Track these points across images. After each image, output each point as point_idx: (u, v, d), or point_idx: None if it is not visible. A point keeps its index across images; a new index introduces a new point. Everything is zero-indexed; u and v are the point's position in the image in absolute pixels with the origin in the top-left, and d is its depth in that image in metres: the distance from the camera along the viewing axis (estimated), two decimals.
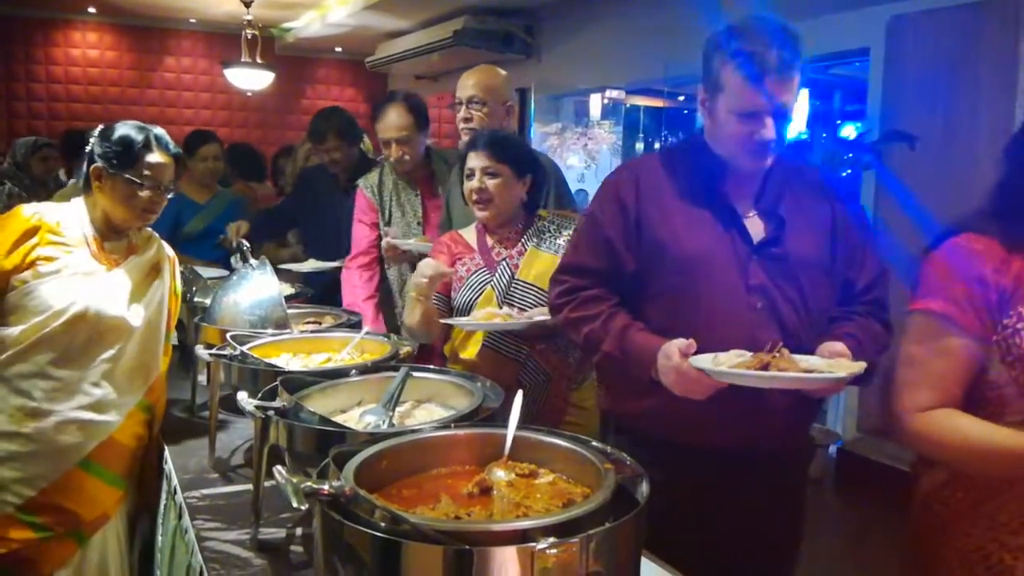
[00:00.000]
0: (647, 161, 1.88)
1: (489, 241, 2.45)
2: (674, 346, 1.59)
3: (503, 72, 2.90)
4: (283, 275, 3.33)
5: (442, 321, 2.33)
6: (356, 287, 3.14)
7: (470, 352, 2.36)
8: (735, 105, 1.62)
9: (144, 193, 2.13)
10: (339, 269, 3.34)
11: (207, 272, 3.28)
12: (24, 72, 7.99)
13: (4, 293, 2.04)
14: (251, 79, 7.29)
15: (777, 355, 1.52)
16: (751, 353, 1.57)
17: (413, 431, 1.45)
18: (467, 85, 2.79)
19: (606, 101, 9.04)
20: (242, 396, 1.63)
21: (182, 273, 3.06)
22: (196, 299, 2.87)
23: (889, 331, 1.79)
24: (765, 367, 1.48)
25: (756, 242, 1.71)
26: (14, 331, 2.02)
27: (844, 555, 3.71)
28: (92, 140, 2.16)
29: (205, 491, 1.89)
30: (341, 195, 3.51)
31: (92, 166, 2.13)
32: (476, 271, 2.40)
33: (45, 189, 4.50)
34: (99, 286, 2.09)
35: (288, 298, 2.98)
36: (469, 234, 2.50)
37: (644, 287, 1.76)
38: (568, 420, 2.33)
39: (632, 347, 1.70)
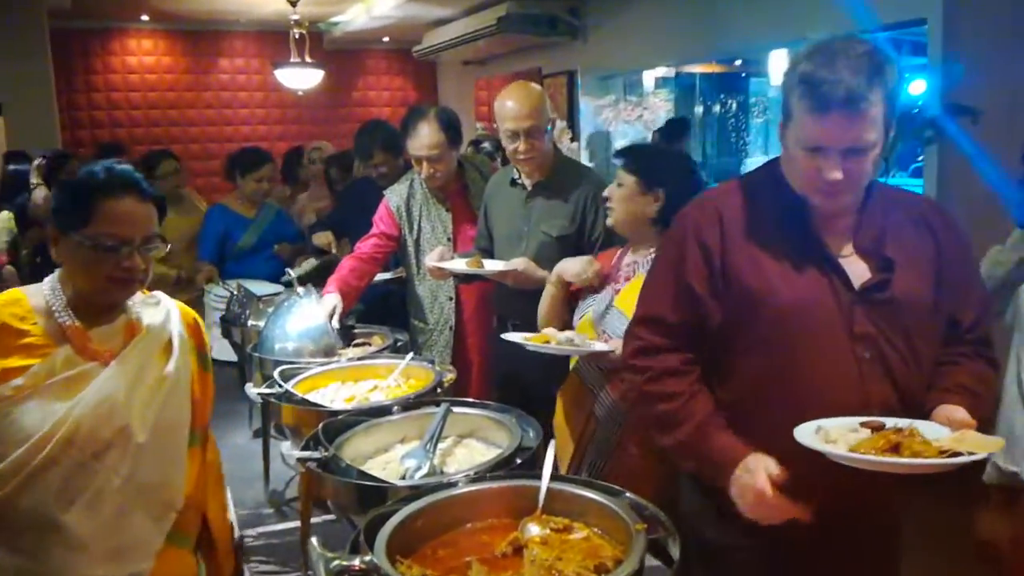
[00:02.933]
0: (726, 194, 1.64)
1: (624, 260, 2.24)
2: (761, 465, 1.43)
3: (536, 87, 2.75)
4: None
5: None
6: (341, 269, 3.05)
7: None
8: (800, 137, 1.46)
9: (110, 256, 1.54)
10: (393, 280, 3.36)
11: (260, 290, 3.34)
12: (83, 83, 8.23)
13: None
14: (301, 78, 7.36)
15: (907, 433, 1.35)
16: (861, 421, 1.42)
17: (449, 486, 1.46)
18: (514, 117, 2.60)
19: (658, 77, 8.89)
20: (285, 447, 1.68)
21: (234, 295, 3.15)
22: (250, 322, 2.94)
23: (996, 369, 1.63)
24: (895, 448, 1.32)
25: (859, 286, 1.51)
26: None
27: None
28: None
29: (260, 529, 1.95)
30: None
31: (48, 227, 1.60)
32: (588, 291, 2.27)
33: None
34: (91, 393, 1.53)
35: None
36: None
37: (733, 340, 1.57)
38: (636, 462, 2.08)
39: (710, 447, 1.53)
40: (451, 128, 2.99)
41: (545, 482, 1.43)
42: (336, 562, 1.15)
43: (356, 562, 1.17)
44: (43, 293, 1.57)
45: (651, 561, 1.28)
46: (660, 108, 13.17)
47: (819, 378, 1.49)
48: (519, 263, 2.50)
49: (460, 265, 2.64)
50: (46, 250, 4.63)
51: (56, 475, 1.47)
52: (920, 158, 4.26)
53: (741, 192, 1.62)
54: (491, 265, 2.58)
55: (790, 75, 1.46)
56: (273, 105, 9.03)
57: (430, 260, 2.71)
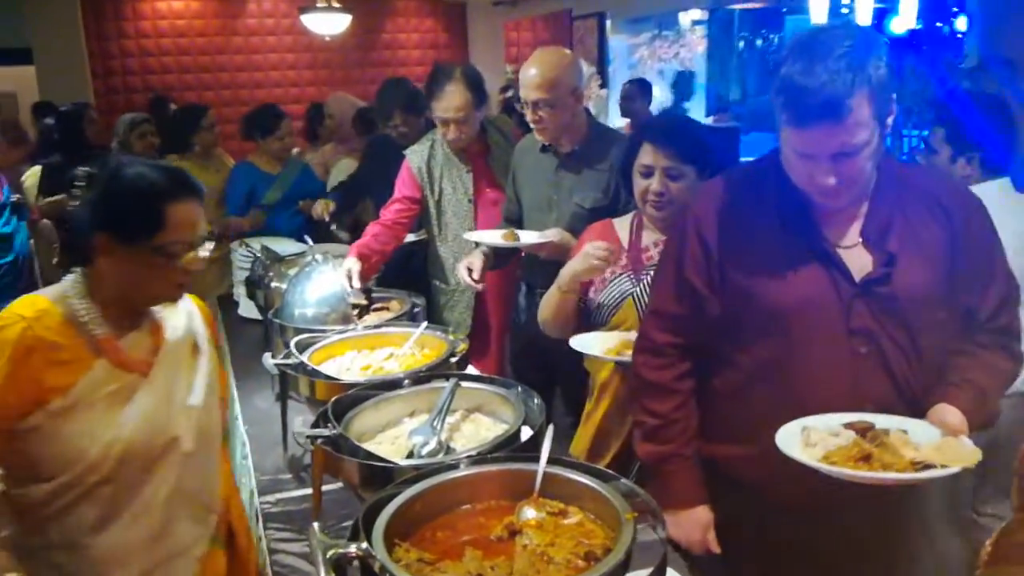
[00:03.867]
0: (727, 186, 1.64)
1: (646, 238, 2.17)
2: (706, 526, 1.62)
3: (565, 55, 2.65)
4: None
5: (572, 343, 2.08)
6: (365, 234, 3.09)
7: (603, 374, 2.19)
8: (790, 143, 1.44)
9: (178, 261, 1.52)
10: (416, 242, 3.39)
11: (284, 249, 3.39)
12: (115, 30, 8.24)
13: (9, 441, 1.46)
14: (328, 23, 7.31)
15: (880, 443, 1.36)
16: (846, 421, 1.43)
17: (450, 468, 1.51)
18: (529, 86, 2.56)
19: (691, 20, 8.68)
20: (297, 423, 1.74)
21: (258, 258, 3.21)
22: (273, 284, 3.00)
23: (1018, 361, 1.59)
24: (867, 458, 1.33)
25: (860, 279, 1.50)
26: (36, 492, 1.46)
27: None
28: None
29: (279, 495, 2.02)
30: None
31: (95, 236, 1.49)
32: (620, 275, 2.14)
33: None
34: (138, 407, 1.51)
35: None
36: (622, 225, 2.24)
37: (730, 333, 1.59)
38: None
39: (670, 479, 1.65)
40: (477, 89, 2.97)
41: (542, 466, 1.48)
42: (333, 551, 1.20)
43: (352, 549, 1.23)
44: (68, 301, 1.50)
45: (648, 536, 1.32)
46: (697, 45, 12.87)
47: (812, 373, 1.50)
48: (553, 234, 2.50)
49: (495, 238, 2.63)
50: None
51: (108, 492, 1.48)
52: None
53: (743, 184, 1.62)
54: (526, 237, 2.58)
55: (775, 75, 1.42)
56: (303, 50, 8.98)
57: (462, 270, 2.67)
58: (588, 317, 2.22)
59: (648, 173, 2.07)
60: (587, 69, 6.79)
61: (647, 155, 2.08)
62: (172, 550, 1.57)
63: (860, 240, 1.52)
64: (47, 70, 7.48)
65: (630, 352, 1.87)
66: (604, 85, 7.05)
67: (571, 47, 7.84)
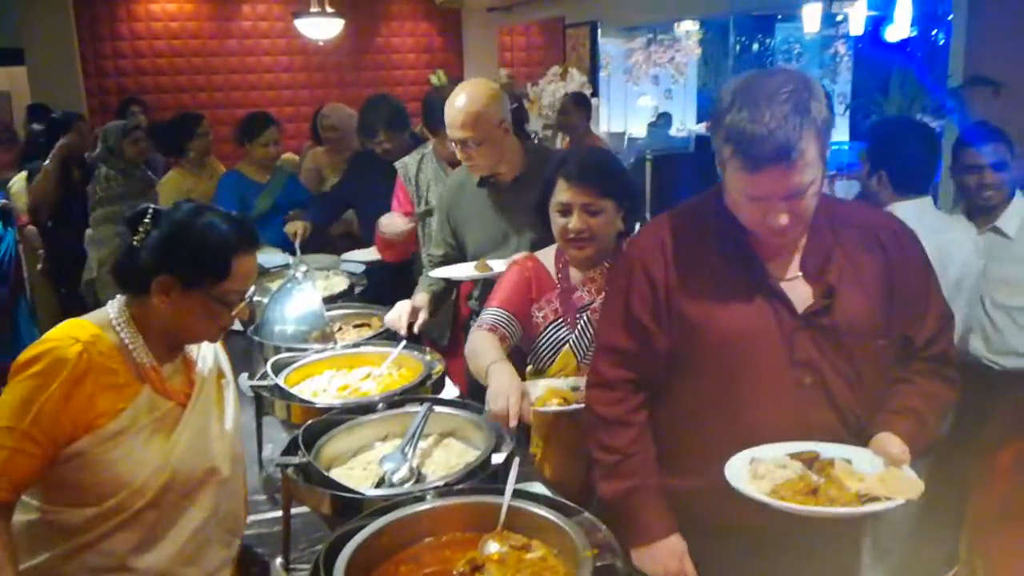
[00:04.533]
0: (672, 222, 1.66)
1: (574, 276, 2.13)
2: (681, 555, 1.61)
3: (486, 89, 2.55)
4: (344, 266, 3.45)
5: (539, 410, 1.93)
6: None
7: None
8: (739, 188, 1.46)
9: (231, 311, 1.58)
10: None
11: (270, 260, 3.40)
12: (108, 31, 8.22)
13: (53, 466, 1.47)
14: (321, 28, 7.29)
15: (827, 475, 1.39)
16: (797, 450, 1.45)
17: (416, 500, 1.53)
18: (453, 125, 2.50)
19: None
20: (267, 450, 1.76)
21: None
22: (256, 298, 3.00)
23: (954, 387, 1.63)
24: (814, 492, 1.36)
25: (802, 311, 1.52)
26: (77, 516, 1.48)
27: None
28: (145, 229, 1.55)
29: (253, 517, 2.01)
30: (395, 178, 3.55)
31: (159, 277, 1.51)
32: (555, 321, 2.12)
33: (139, 171, 4.67)
34: (183, 437, 1.56)
35: (341, 295, 3.10)
36: (548, 259, 2.18)
37: (678, 366, 1.62)
38: None
39: (636, 513, 1.63)
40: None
41: (507, 500, 1.49)
42: None
43: None
44: (114, 328, 1.53)
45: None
46: (692, 51, 12.86)
47: (758, 404, 1.53)
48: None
49: (468, 271, 2.56)
50: (63, 213, 4.71)
51: (151, 517, 1.52)
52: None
53: (685, 220, 1.65)
54: (499, 266, 2.45)
55: (718, 124, 1.44)
56: (296, 53, 8.97)
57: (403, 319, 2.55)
58: (525, 361, 2.19)
59: (566, 211, 2.04)
60: (579, 78, 6.82)
61: (563, 193, 2.04)
62: (205, 573, 1.61)
63: (800, 273, 1.56)
64: (39, 71, 7.47)
65: (556, 401, 1.90)
66: (595, 94, 7.06)
67: (564, 55, 7.86)
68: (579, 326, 2.09)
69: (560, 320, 2.11)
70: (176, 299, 1.53)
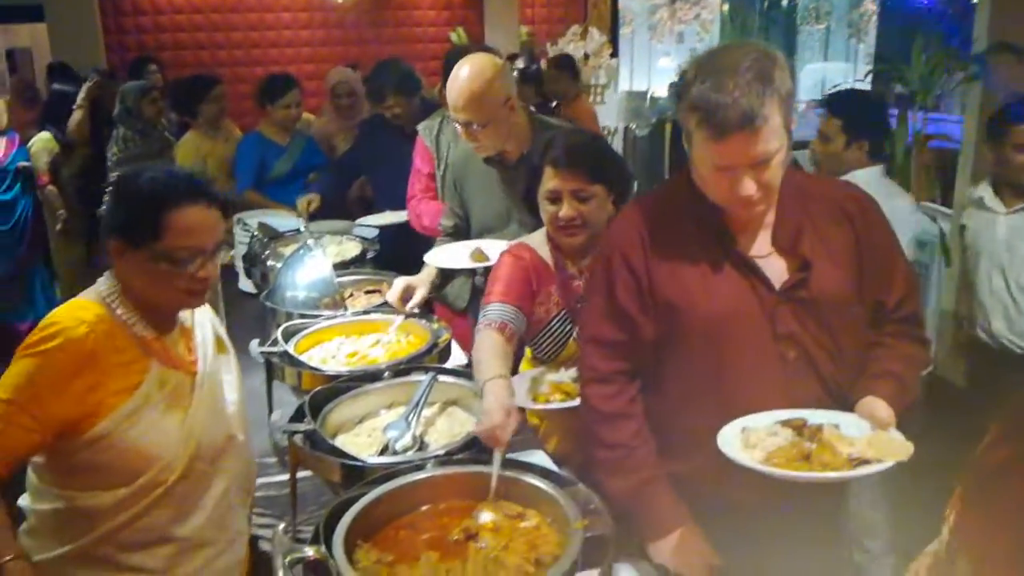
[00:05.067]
0: (642, 211, 1.68)
1: (570, 266, 2.11)
2: (700, 540, 1.58)
3: (489, 66, 2.45)
4: (357, 230, 3.46)
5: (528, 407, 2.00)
6: (420, 215, 3.03)
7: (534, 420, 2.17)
8: (705, 158, 1.48)
9: (185, 267, 1.52)
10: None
11: (284, 224, 3.43)
12: (131, 6, 8.22)
13: (69, 446, 1.47)
14: None
15: (818, 440, 1.42)
16: (786, 417, 1.48)
17: (416, 468, 1.57)
18: (456, 106, 2.43)
19: None
20: (275, 416, 1.81)
21: (255, 236, 3.26)
22: (269, 262, 3.05)
23: (925, 346, 1.70)
24: (807, 457, 1.39)
25: (779, 286, 1.56)
26: (108, 499, 1.49)
27: (931, 481, 3.68)
28: (105, 199, 1.60)
29: (263, 479, 2.07)
30: (407, 143, 3.55)
31: (110, 240, 1.54)
32: (558, 315, 2.09)
33: (156, 131, 4.69)
34: (199, 408, 1.58)
35: (354, 261, 3.14)
36: (543, 249, 2.13)
37: (664, 351, 1.63)
38: None
39: (648, 506, 1.61)
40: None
41: (495, 474, 1.53)
42: (291, 555, 1.27)
43: (310, 553, 1.29)
44: (109, 304, 1.53)
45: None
46: (719, 8, 12.60)
47: (745, 381, 1.56)
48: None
49: (462, 261, 2.48)
50: (89, 171, 4.80)
51: (181, 489, 1.54)
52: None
53: (657, 207, 1.67)
54: (495, 252, 2.34)
55: (684, 97, 1.47)
56: (316, 9, 8.92)
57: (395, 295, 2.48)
58: (535, 356, 2.19)
59: (555, 198, 2.01)
60: (599, 37, 6.74)
61: (551, 180, 2.00)
62: (232, 535, 1.67)
63: (773, 249, 1.59)
64: (59, 28, 7.48)
65: (558, 396, 1.93)
66: (615, 54, 6.98)
67: (585, 12, 7.75)
68: (582, 316, 2.04)
69: (564, 312, 2.09)
70: (130, 262, 1.52)
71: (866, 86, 5.33)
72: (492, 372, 1.79)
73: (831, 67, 10.65)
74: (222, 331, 1.77)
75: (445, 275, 2.68)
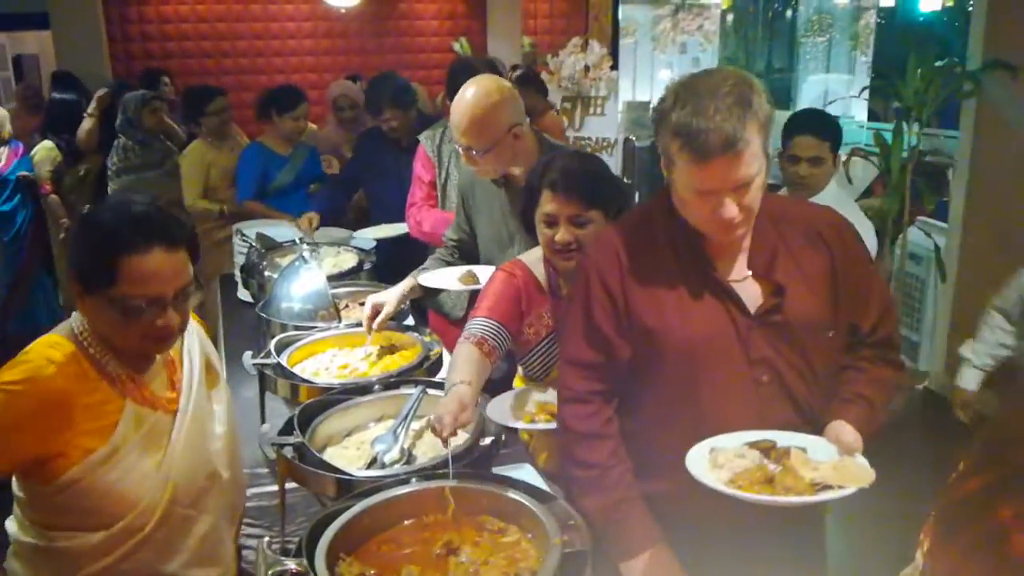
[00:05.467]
0: (620, 233, 1.69)
1: (564, 288, 2.07)
2: (670, 559, 1.58)
3: (495, 90, 2.37)
4: (354, 242, 3.50)
5: (488, 411, 1.97)
6: (420, 221, 3.11)
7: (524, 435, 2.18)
8: (686, 183, 1.49)
9: (142, 317, 1.42)
10: (407, 234, 3.44)
11: (281, 235, 3.46)
12: (137, 15, 8.28)
13: (45, 488, 1.43)
14: None
15: (782, 464, 1.43)
16: (755, 439, 1.49)
17: (401, 483, 1.60)
18: (458, 131, 2.38)
19: None
20: (264, 429, 1.84)
21: (252, 247, 3.29)
22: (266, 272, 3.09)
23: (899, 370, 1.72)
24: (770, 480, 1.41)
25: (754, 311, 1.57)
26: (84, 544, 1.45)
27: (923, 497, 3.70)
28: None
29: (255, 489, 2.09)
30: (404, 156, 3.59)
31: (71, 280, 1.46)
32: (547, 337, 2.08)
33: (158, 141, 4.72)
34: (178, 450, 1.51)
35: (350, 272, 3.17)
36: (538, 268, 2.11)
37: (639, 373, 1.64)
38: None
39: (620, 526, 1.61)
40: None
41: (449, 484, 1.56)
42: (274, 567, 1.30)
43: (292, 566, 1.32)
44: (81, 342, 1.46)
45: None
46: (719, 18, 12.62)
47: (719, 404, 1.57)
48: None
49: (452, 281, 2.44)
50: (96, 180, 4.82)
51: (163, 533, 1.48)
52: None
53: (635, 229, 1.67)
54: (486, 276, 2.29)
55: (663, 123, 1.48)
56: (320, 19, 8.97)
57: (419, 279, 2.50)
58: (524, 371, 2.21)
59: (552, 222, 1.99)
60: (599, 50, 6.78)
61: (548, 203, 1.98)
62: (224, 568, 1.64)
63: (748, 273, 1.59)
64: (64, 35, 7.54)
65: (543, 417, 1.94)
66: (615, 67, 7.01)
67: (586, 23, 7.80)
68: (560, 336, 2.01)
69: (553, 334, 2.08)
70: (88, 305, 1.45)
71: (863, 102, 5.35)
72: (458, 378, 1.79)
73: (833, 79, 10.67)
74: (214, 357, 1.70)
75: (426, 288, 2.65)
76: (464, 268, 2.51)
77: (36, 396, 1.39)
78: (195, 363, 1.61)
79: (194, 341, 1.63)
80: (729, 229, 1.51)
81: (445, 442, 1.64)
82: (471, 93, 2.35)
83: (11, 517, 1.57)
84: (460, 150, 2.43)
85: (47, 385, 1.39)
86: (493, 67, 3.27)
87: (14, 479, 1.50)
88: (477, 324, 1.99)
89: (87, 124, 4.85)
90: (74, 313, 1.51)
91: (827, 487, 1.38)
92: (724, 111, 1.40)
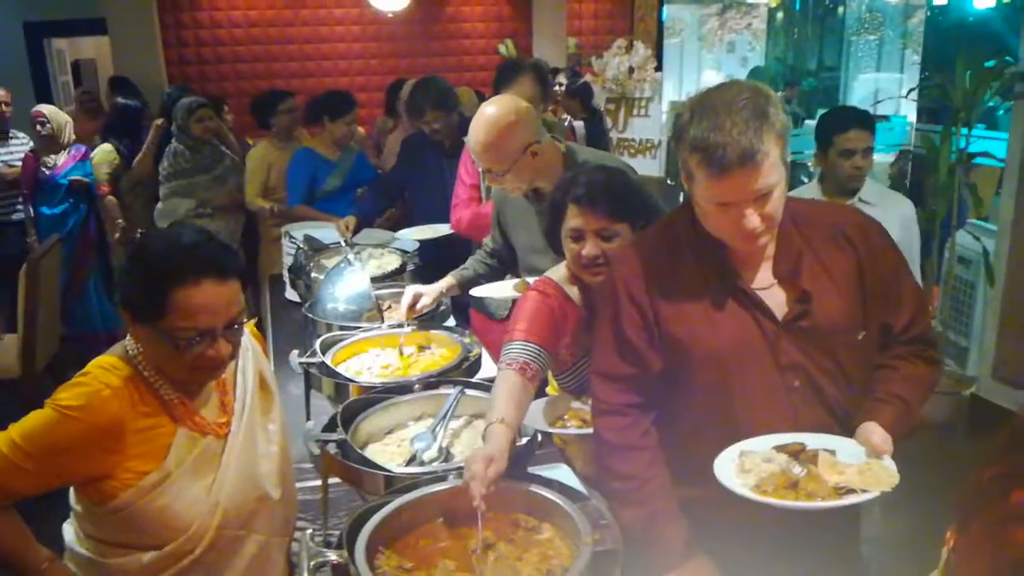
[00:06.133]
0: (648, 242, 1.71)
1: (593, 302, 2.04)
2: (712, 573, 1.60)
3: (509, 111, 2.36)
4: (397, 243, 3.56)
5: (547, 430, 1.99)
6: (460, 218, 3.20)
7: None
8: (707, 195, 1.51)
9: (192, 348, 1.43)
10: (451, 233, 3.50)
11: (328, 236, 3.54)
12: (188, 2, 8.50)
13: (97, 511, 1.48)
14: (391, 1, 7.46)
15: (807, 469, 1.44)
16: (784, 442, 1.50)
17: (439, 479, 1.65)
18: (476, 153, 2.40)
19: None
20: (308, 426, 1.91)
21: (300, 248, 3.38)
22: (313, 274, 3.18)
23: (937, 366, 1.71)
24: (795, 484, 1.42)
25: (782, 317, 1.58)
26: (134, 564, 1.49)
27: None
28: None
29: (300, 484, 2.15)
30: (447, 159, 3.65)
31: (122, 309, 1.48)
32: (584, 357, 2.05)
33: (208, 147, 4.80)
34: (228, 475, 1.53)
35: (394, 273, 3.24)
36: (567, 286, 2.07)
37: (672, 384, 1.66)
38: None
39: (657, 537, 1.63)
40: (544, 83, 3.07)
41: (480, 523, 1.53)
42: (316, 558, 1.36)
43: (333, 557, 1.38)
44: (136, 365, 1.49)
45: None
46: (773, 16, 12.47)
47: (752, 413, 1.58)
48: None
49: (507, 290, 2.45)
50: (147, 182, 4.97)
51: (212, 555, 1.51)
52: None
53: (659, 241, 1.69)
54: None
55: (681, 138, 1.50)
56: (368, 23, 9.09)
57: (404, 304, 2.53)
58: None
59: (579, 237, 1.97)
60: (643, 51, 6.76)
61: (575, 218, 1.97)
62: (270, 574, 1.68)
63: (775, 280, 1.61)
64: (121, 40, 7.78)
65: (575, 423, 1.97)
66: (659, 68, 6.99)
67: (632, 24, 7.79)
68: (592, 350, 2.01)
69: (588, 356, 2.02)
70: (140, 333, 1.46)
71: (911, 103, 5.27)
72: (496, 416, 1.73)
73: (884, 77, 10.48)
74: (268, 373, 1.71)
75: (463, 286, 2.73)
76: (517, 279, 2.55)
77: (89, 422, 1.42)
78: (249, 384, 1.63)
79: (248, 360, 1.64)
80: (751, 239, 1.52)
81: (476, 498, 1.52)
82: (484, 117, 2.37)
83: (68, 521, 1.62)
84: (482, 171, 2.47)
85: (102, 411, 1.42)
86: (538, 68, 3.30)
87: (72, 491, 1.56)
88: (516, 348, 1.91)
89: (142, 158, 5.00)
90: (127, 339, 1.54)
91: (851, 491, 1.39)
92: (741, 124, 1.42)
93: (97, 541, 1.53)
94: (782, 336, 1.57)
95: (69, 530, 1.60)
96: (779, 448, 1.50)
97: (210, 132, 4.77)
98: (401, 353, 2.44)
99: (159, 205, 4.80)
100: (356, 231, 3.55)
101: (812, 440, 1.51)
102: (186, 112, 4.68)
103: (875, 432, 1.51)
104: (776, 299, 1.59)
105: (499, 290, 2.53)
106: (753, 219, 1.48)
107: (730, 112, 1.43)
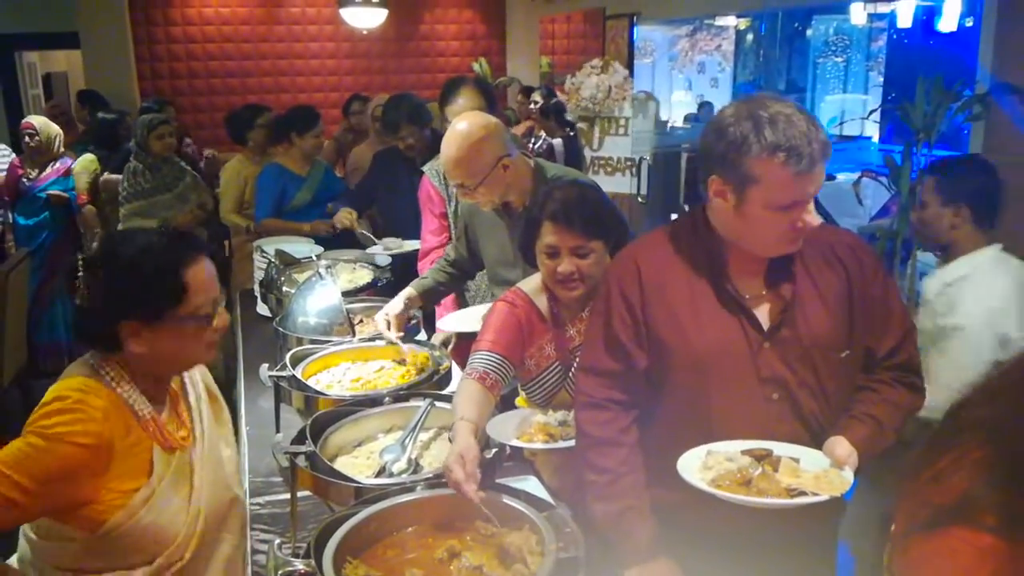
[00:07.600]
0: (648, 245, 1.75)
1: (565, 316, 2.11)
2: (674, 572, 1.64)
3: (478, 129, 2.40)
4: (366, 259, 3.58)
5: (488, 429, 1.95)
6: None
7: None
8: (776, 198, 1.50)
9: (207, 323, 1.53)
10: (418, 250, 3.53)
11: (302, 251, 3.56)
12: (161, 16, 8.50)
13: (88, 537, 1.48)
14: (366, 17, 7.50)
15: (765, 469, 1.48)
16: (751, 446, 1.54)
17: (407, 490, 1.68)
18: (448, 169, 2.45)
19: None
20: (277, 438, 1.92)
21: (271, 263, 3.39)
22: (284, 288, 3.18)
23: (919, 393, 1.72)
24: (748, 482, 1.46)
25: (767, 327, 1.61)
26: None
27: None
28: (84, 284, 1.50)
29: (269, 497, 2.18)
30: (418, 176, 3.68)
31: (120, 326, 1.47)
32: (548, 367, 2.11)
33: (168, 164, 4.73)
34: (203, 484, 1.59)
35: (365, 287, 3.26)
36: (539, 298, 2.12)
37: (657, 383, 1.70)
38: None
39: (626, 533, 1.67)
40: (488, 96, 3.05)
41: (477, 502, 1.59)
42: (283, 569, 1.37)
43: (300, 567, 1.40)
44: (111, 387, 1.50)
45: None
46: (742, 39, 12.70)
47: (728, 421, 1.61)
48: None
49: (475, 323, 2.41)
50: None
51: (197, 561, 1.57)
52: None
53: (661, 243, 1.73)
54: None
55: (744, 148, 1.49)
56: (342, 39, 9.14)
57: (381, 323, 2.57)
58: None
59: (554, 253, 2.00)
60: (620, 71, 6.85)
61: (550, 235, 1.99)
62: (237, 573, 1.74)
63: (765, 290, 1.64)
64: (93, 54, 7.76)
65: (541, 437, 1.99)
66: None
67: (603, 46, 7.89)
68: (573, 368, 2.07)
69: (555, 363, 2.12)
70: (150, 338, 1.48)
71: (873, 123, 5.39)
72: (459, 414, 1.79)
73: (850, 99, 10.72)
74: (210, 379, 1.78)
75: (424, 295, 2.74)
76: (487, 306, 2.53)
77: (90, 448, 1.42)
78: (200, 393, 1.71)
79: (194, 370, 1.71)
80: (797, 242, 1.58)
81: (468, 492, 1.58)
82: (455, 133, 2.41)
83: (26, 561, 1.57)
84: (454, 186, 2.52)
85: (100, 435, 1.44)
86: (480, 81, 3.36)
87: (25, 534, 1.52)
88: (479, 358, 1.99)
89: (87, 210, 5.01)
90: (87, 356, 1.54)
91: (802, 493, 1.43)
92: (807, 121, 1.48)
93: (74, 573, 1.50)
94: (765, 346, 1.61)
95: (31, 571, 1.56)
96: (746, 451, 1.53)
97: (169, 149, 4.70)
98: (402, 362, 2.48)
99: (119, 227, 4.64)
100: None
101: (780, 448, 1.55)
102: (146, 128, 4.59)
103: (840, 445, 1.54)
104: (764, 309, 1.63)
105: (467, 323, 2.58)
106: (808, 216, 1.52)
107: (794, 116, 1.48)
